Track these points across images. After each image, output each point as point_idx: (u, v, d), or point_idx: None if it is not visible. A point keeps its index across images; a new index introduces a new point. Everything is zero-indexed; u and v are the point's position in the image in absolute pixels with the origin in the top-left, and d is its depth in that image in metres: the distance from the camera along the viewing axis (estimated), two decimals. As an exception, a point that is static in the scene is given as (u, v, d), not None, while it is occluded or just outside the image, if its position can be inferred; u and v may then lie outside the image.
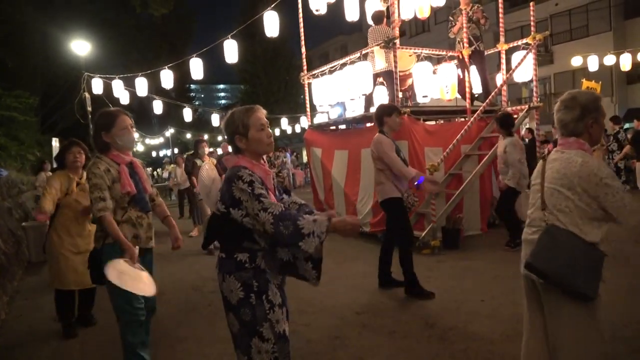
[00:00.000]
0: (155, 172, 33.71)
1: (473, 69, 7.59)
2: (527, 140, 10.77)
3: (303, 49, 8.71)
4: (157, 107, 14.02)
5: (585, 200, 2.02)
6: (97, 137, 2.76)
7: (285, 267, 2.14)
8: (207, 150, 7.50)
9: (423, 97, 6.89)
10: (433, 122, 7.68)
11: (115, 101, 12.59)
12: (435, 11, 9.30)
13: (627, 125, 14.94)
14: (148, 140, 31.86)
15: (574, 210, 2.04)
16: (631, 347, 3.05)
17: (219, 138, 30.57)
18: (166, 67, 10.44)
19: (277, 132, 25.75)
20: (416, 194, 4.56)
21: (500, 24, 7.67)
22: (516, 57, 7.46)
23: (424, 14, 7.12)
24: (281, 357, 2.06)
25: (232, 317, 2.09)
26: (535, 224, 2.19)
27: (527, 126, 12.09)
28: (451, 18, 7.75)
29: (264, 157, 2.20)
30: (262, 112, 2.14)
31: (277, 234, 1.91)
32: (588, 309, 2.03)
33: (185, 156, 9.70)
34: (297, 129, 21.92)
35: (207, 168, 4.50)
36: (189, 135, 28.79)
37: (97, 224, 2.71)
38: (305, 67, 8.77)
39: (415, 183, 4.18)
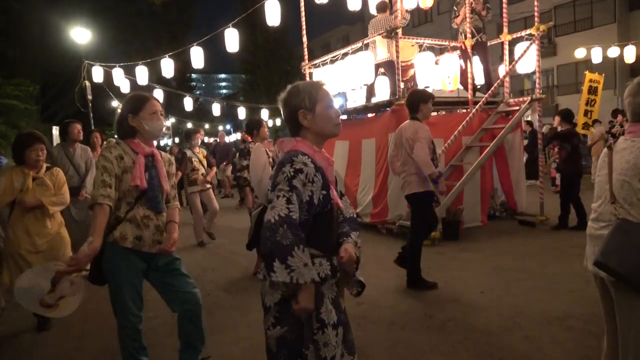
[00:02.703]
0: None
1: (475, 59, 7.54)
2: (527, 132, 10.77)
3: (304, 39, 8.63)
4: (158, 96, 13.94)
5: None
6: (123, 121, 2.52)
7: None
8: (199, 141, 7.30)
9: (425, 87, 6.83)
10: (435, 113, 7.62)
11: (116, 90, 12.54)
12: (438, 1, 9.22)
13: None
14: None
15: None
16: None
17: (220, 128, 30.53)
18: (167, 55, 10.37)
19: (277, 122, 25.73)
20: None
21: (504, 15, 7.59)
22: (519, 48, 7.40)
23: (427, 3, 7.07)
24: None
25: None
26: (604, 219, 2.04)
27: (528, 118, 12.11)
28: (455, 8, 7.68)
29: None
30: (329, 89, 1.86)
31: (271, 228, 1.60)
32: None
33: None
34: (298, 119, 21.78)
35: (258, 152, 3.87)
36: (189, 125, 28.73)
37: (92, 210, 2.37)
38: (306, 57, 8.71)
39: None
